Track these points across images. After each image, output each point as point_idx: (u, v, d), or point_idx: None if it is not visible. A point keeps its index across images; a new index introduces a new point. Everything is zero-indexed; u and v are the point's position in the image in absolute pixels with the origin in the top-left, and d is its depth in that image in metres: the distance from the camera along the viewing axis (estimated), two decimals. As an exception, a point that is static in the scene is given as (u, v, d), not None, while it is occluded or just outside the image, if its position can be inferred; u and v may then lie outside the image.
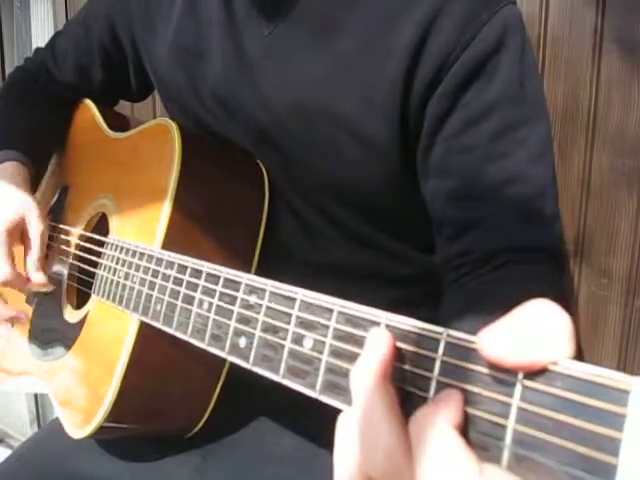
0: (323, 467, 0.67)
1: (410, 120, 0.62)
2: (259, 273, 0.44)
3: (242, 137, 0.72)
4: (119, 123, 0.84)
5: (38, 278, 0.77)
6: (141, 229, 0.66)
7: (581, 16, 0.87)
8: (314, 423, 0.69)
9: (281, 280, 0.41)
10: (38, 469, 0.73)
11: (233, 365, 0.67)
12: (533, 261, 0.59)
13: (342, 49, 0.63)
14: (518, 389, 0.26)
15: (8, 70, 1.75)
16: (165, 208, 0.63)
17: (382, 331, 0.31)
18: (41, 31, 1.69)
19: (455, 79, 0.58)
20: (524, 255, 0.59)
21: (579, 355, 0.25)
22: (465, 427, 0.27)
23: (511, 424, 0.26)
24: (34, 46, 1.72)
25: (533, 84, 0.61)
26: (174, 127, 0.67)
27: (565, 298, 0.60)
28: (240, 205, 0.70)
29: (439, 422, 0.26)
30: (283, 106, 0.66)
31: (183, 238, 0.64)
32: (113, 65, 0.87)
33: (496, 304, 0.28)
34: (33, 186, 0.83)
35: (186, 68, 0.74)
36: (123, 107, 0.97)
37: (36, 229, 0.77)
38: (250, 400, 0.74)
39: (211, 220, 0.67)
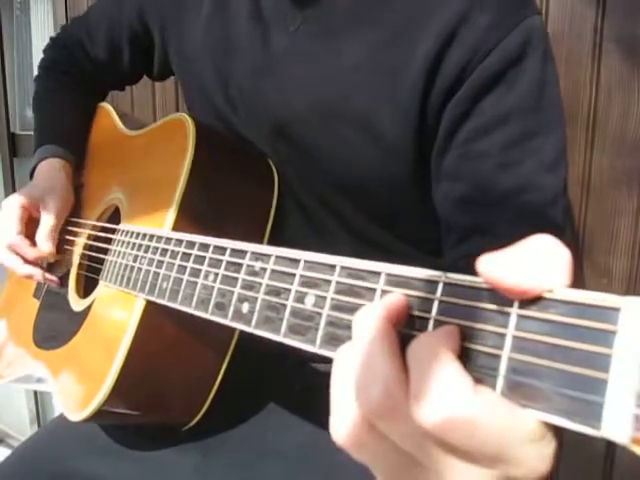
0: (327, 464, 0.66)
1: (428, 123, 0.62)
2: None
3: (259, 130, 0.72)
4: (136, 124, 0.86)
5: (45, 247, 0.79)
6: (151, 218, 0.67)
7: (581, 16, 0.88)
8: (317, 420, 0.69)
9: None
10: (38, 469, 0.72)
11: (236, 358, 0.67)
12: None
13: (367, 46, 0.63)
14: (513, 319, 0.26)
15: (8, 70, 1.76)
16: (175, 199, 0.64)
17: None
18: (41, 32, 1.71)
19: (474, 85, 0.59)
20: None
21: None
22: (461, 362, 0.28)
23: (506, 353, 0.26)
24: (34, 47, 1.75)
25: (552, 95, 0.61)
26: (189, 121, 0.68)
27: None
28: (249, 200, 0.71)
29: (436, 346, 0.27)
30: (304, 101, 0.67)
31: (191, 230, 0.64)
32: (141, 48, 0.89)
33: None
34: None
35: (214, 61, 0.75)
36: (123, 107, 0.98)
37: (51, 208, 0.81)
38: (252, 396, 0.74)
39: (219, 213, 0.68)
